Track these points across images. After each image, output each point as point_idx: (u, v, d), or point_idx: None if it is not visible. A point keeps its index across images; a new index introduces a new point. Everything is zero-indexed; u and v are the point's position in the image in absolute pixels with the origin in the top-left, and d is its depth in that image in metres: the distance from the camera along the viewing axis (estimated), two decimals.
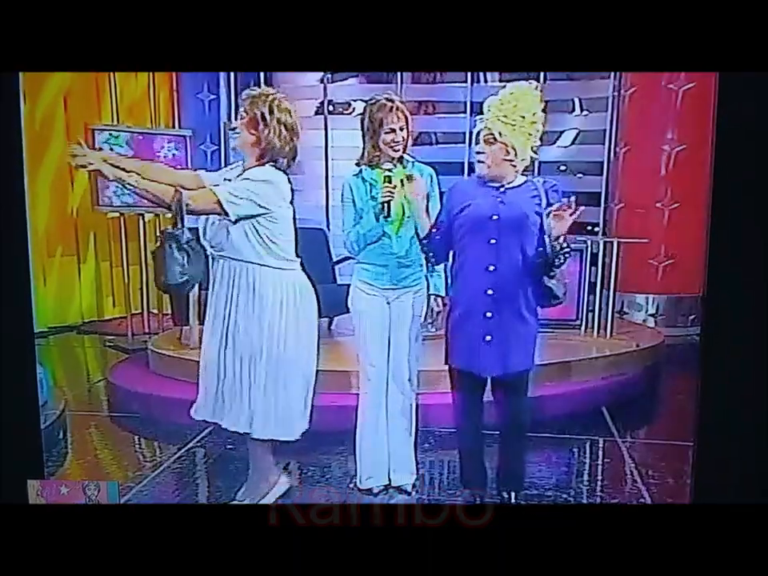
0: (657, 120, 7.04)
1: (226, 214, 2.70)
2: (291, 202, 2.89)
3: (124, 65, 2.02)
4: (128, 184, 2.64)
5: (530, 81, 2.85)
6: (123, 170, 2.70)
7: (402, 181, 3.01)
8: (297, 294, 2.86)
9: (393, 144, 3.07)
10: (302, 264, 2.96)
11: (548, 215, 2.73)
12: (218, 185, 2.79)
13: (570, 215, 2.68)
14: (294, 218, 2.94)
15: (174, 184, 2.74)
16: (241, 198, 2.69)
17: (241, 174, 2.82)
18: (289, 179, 2.88)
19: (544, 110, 2.85)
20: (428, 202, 3.07)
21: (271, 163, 2.81)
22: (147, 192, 2.67)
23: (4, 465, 2.22)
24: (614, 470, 3.85)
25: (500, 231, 2.81)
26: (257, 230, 2.76)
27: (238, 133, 2.84)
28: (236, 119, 2.88)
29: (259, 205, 2.72)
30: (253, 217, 2.73)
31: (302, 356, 2.90)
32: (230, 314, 2.85)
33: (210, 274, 2.87)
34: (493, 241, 2.82)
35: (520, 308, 2.86)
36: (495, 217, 2.81)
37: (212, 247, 2.83)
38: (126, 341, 6.48)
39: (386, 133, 3.06)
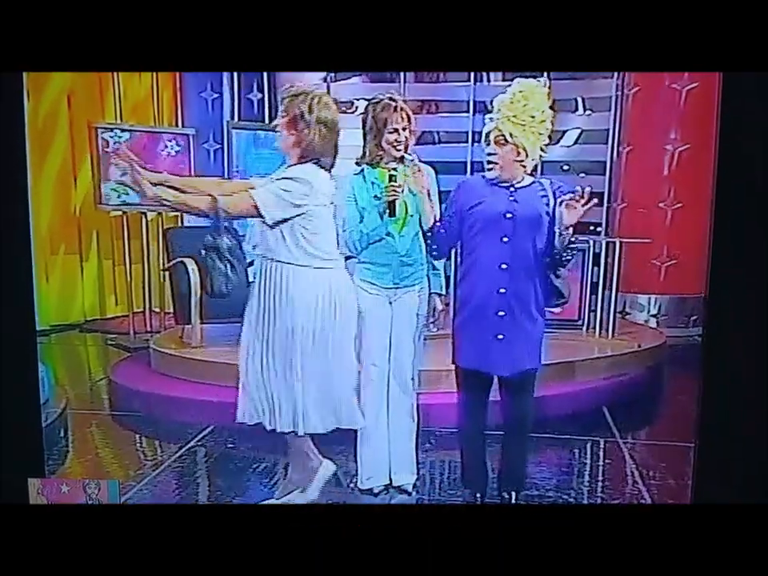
0: (660, 120, 7.03)
1: (263, 218, 2.69)
2: (333, 201, 2.87)
3: (127, 65, 2.02)
4: (165, 200, 2.64)
5: (538, 78, 2.85)
6: (171, 187, 2.73)
7: (407, 174, 3.00)
8: (333, 293, 2.81)
9: (396, 144, 3.07)
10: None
11: (560, 204, 2.73)
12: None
13: (583, 206, 2.68)
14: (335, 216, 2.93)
15: (228, 194, 2.75)
16: (277, 200, 2.68)
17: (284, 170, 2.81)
18: (332, 176, 2.87)
19: (552, 108, 2.85)
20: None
21: (314, 161, 2.79)
22: (185, 206, 2.69)
23: (5, 463, 2.22)
24: (615, 471, 3.84)
25: (514, 229, 2.82)
26: (292, 228, 2.73)
27: (279, 133, 2.82)
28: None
29: (294, 205, 2.70)
30: (290, 219, 2.71)
31: (339, 355, 2.86)
32: (265, 313, 2.81)
33: (250, 273, 2.85)
34: (506, 239, 2.82)
35: (531, 307, 2.87)
36: (510, 215, 2.82)
37: (252, 246, 2.83)
38: (127, 339, 6.47)
39: (390, 133, 3.06)
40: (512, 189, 2.86)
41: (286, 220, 2.71)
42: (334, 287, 2.82)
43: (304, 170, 2.75)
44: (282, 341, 2.78)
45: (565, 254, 2.79)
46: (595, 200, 2.72)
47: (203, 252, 2.75)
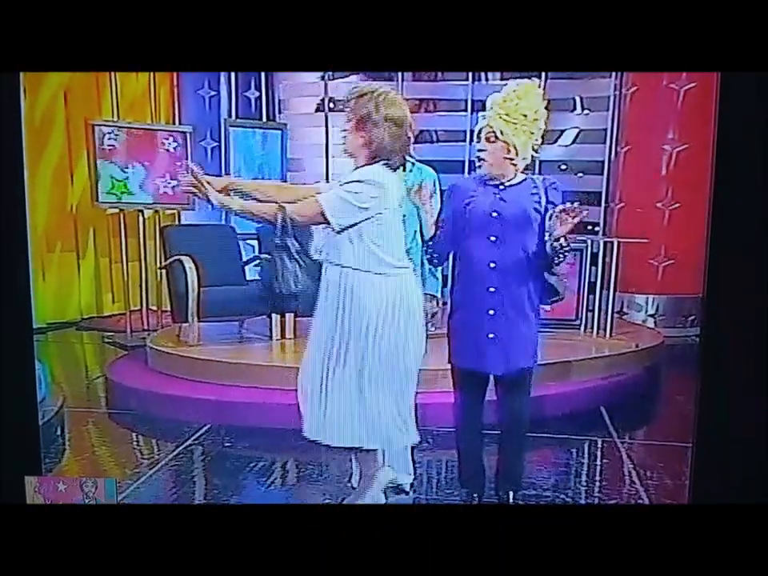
0: (658, 119, 7.03)
1: (330, 224, 2.60)
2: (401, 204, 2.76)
3: (124, 65, 2.02)
4: (230, 208, 2.60)
5: (533, 78, 2.85)
6: (236, 191, 2.68)
7: (410, 189, 2.95)
8: (400, 301, 2.69)
9: None
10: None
11: (551, 217, 2.73)
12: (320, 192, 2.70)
13: (573, 218, 2.68)
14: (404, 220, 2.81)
15: (295, 200, 2.68)
16: (345, 204, 2.58)
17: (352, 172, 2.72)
18: (401, 178, 2.76)
19: (547, 108, 2.85)
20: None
21: (384, 162, 2.67)
22: (251, 214, 2.63)
23: (1, 461, 2.22)
24: (612, 471, 3.85)
25: (501, 228, 2.82)
26: (361, 233, 2.63)
27: (345, 136, 2.72)
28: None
29: (363, 209, 2.59)
30: (357, 224, 2.61)
31: (405, 363, 2.74)
32: (334, 321, 2.69)
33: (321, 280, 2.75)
34: (493, 238, 2.82)
35: (523, 305, 2.86)
36: (495, 214, 2.82)
37: (317, 251, 2.73)
38: (124, 337, 6.47)
39: None
40: (501, 187, 2.86)
41: (353, 225, 2.61)
42: (405, 294, 2.71)
43: (375, 171, 2.65)
44: (353, 350, 2.67)
45: (556, 258, 2.79)
46: (585, 212, 2.72)
47: (273, 252, 2.66)
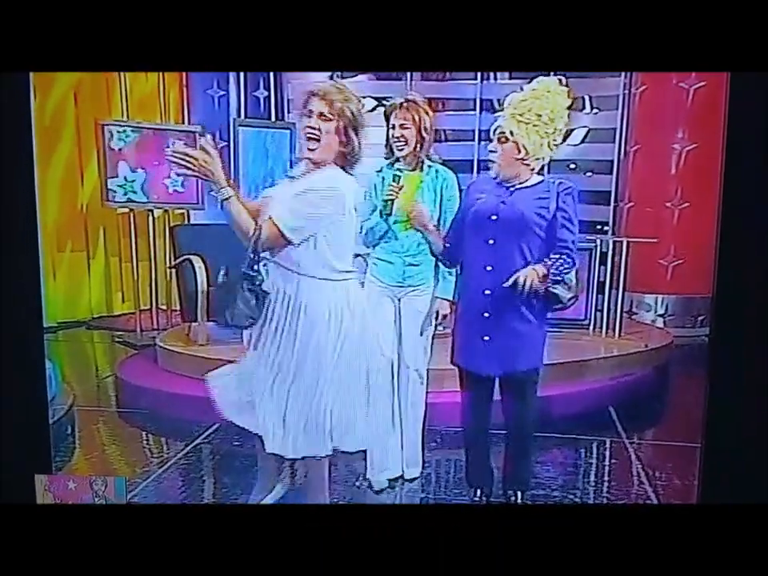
0: (667, 119, 7.01)
1: (290, 242, 2.50)
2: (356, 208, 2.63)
3: (133, 65, 2.02)
4: (229, 206, 2.47)
5: (559, 77, 2.83)
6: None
7: (408, 213, 3.01)
8: (344, 308, 2.58)
9: (395, 141, 3.07)
10: None
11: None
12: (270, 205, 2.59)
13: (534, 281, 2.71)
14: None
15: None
16: (301, 219, 2.48)
17: (304, 177, 2.60)
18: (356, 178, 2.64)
19: (570, 107, 2.84)
20: (446, 207, 3.16)
21: (338, 165, 2.58)
22: (237, 219, 2.48)
23: (12, 459, 2.23)
24: (621, 471, 3.84)
25: (497, 231, 2.80)
26: (316, 240, 2.52)
27: (321, 136, 2.55)
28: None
29: (320, 218, 2.49)
30: (315, 234, 2.51)
31: (343, 373, 2.61)
32: (270, 325, 2.60)
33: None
34: (491, 241, 2.81)
35: (520, 308, 2.82)
36: (494, 217, 2.81)
37: (265, 250, 2.60)
38: (134, 336, 6.49)
39: (391, 129, 3.09)
40: (510, 189, 2.85)
41: (313, 235, 2.51)
42: (346, 301, 2.60)
43: (332, 178, 2.54)
44: (299, 355, 2.57)
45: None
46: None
47: (237, 282, 2.54)
